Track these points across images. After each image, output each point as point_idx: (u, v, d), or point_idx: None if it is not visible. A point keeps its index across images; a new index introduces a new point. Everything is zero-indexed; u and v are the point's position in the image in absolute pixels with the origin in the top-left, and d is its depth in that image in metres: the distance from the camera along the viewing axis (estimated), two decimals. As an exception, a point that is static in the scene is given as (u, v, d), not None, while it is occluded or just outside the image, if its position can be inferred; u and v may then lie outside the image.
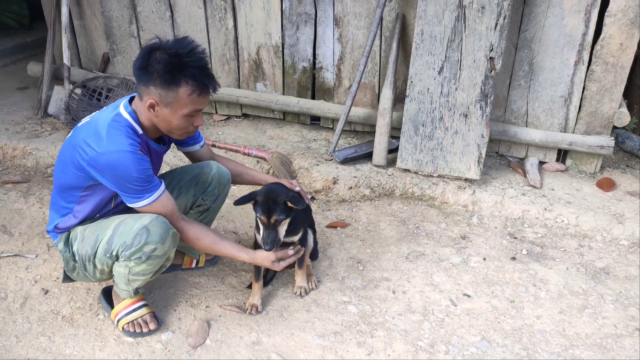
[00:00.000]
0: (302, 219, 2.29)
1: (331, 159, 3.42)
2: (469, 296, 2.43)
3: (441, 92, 3.08)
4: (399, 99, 3.50)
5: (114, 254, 1.97)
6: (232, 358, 2.09)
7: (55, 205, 2.10)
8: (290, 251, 2.20)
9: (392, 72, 3.29)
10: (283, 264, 2.15)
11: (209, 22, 3.69)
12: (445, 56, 3.01)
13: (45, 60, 3.98)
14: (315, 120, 3.87)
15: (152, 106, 1.89)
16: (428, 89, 3.09)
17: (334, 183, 3.23)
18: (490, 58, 2.95)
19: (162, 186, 2.00)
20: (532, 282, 2.52)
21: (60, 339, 2.16)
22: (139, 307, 2.20)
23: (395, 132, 3.48)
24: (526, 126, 3.38)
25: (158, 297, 2.39)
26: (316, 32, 3.51)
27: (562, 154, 3.44)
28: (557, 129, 3.33)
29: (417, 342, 2.18)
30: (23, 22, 5.79)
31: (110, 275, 2.10)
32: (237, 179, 2.44)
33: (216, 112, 4.01)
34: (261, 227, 2.14)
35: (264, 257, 2.12)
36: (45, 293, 2.40)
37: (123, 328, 2.18)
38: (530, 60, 3.21)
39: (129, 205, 1.98)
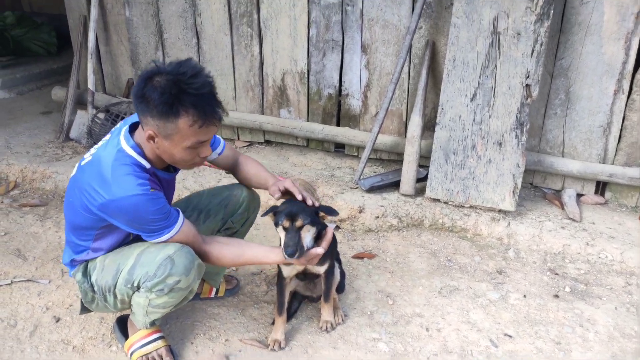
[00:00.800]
0: (331, 250, 2.14)
1: (356, 187, 3.29)
2: (510, 336, 2.23)
3: (474, 120, 2.96)
4: (427, 127, 3.39)
5: (135, 284, 1.84)
6: (253, 398, 1.92)
7: (71, 243, 1.97)
8: (321, 249, 1.90)
9: (421, 99, 3.19)
10: (318, 257, 1.92)
11: (235, 48, 3.66)
12: (479, 83, 2.90)
13: (70, 85, 3.98)
14: (339, 148, 3.77)
15: (151, 138, 1.72)
16: (460, 116, 2.98)
17: (360, 212, 3.09)
18: (527, 85, 2.83)
19: (181, 217, 1.87)
20: (579, 322, 2.31)
21: (69, 371, 2.01)
22: (155, 340, 2.06)
23: (423, 161, 3.35)
24: (562, 156, 3.22)
25: (175, 329, 2.24)
26: (343, 59, 3.45)
27: (601, 186, 3.26)
28: (596, 160, 3.16)
29: (456, 386, 1.98)
30: (51, 50, 5.87)
31: (130, 306, 1.97)
32: (256, 186, 2.24)
33: (238, 139, 3.93)
34: (283, 234, 1.93)
35: (293, 260, 1.92)
36: (57, 321, 2.27)
37: (137, 361, 2.03)
38: (566, 88, 3.09)
39: (149, 241, 1.86)
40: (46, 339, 2.17)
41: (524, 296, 2.48)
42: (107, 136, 1.91)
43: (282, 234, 1.94)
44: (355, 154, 3.69)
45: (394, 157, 3.58)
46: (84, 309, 2.09)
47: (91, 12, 3.79)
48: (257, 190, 2.29)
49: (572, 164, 3.17)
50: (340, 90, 3.56)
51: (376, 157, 3.63)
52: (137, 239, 1.89)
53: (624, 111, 3.02)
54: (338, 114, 3.65)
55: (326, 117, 3.65)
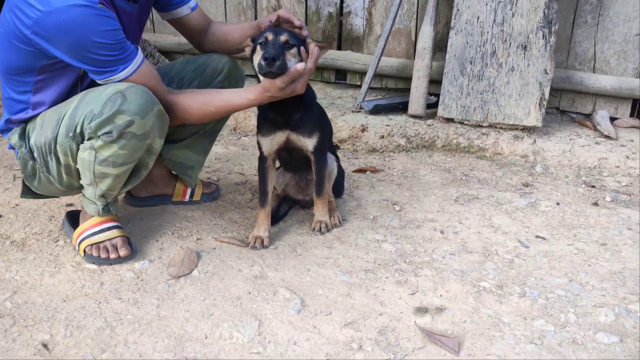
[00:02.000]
0: (318, 121, 1.75)
1: (359, 111, 2.91)
2: (543, 238, 1.84)
3: (494, 21, 2.58)
4: (439, 47, 3.01)
5: (78, 130, 1.45)
6: (226, 290, 1.52)
7: (8, 100, 1.60)
8: (301, 65, 1.50)
9: (433, 7, 2.81)
10: (301, 81, 1.53)
11: (226, -35, 3.32)
12: (500, -24, 2.53)
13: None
14: (340, 80, 3.39)
15: None
16: (478, 18, 2.60)
17: (363, 131, 2.71)
18: (555, -26, 2.45)
19: (139, 53, 1.50)
20: (627, 225, 1.91)
21: (1, 263, 1.64)
22: (109, 229, 1.68)
23: (433, 88, 2.97)
24: (594, 72, 2.83)
25: (138, 228, 1.86)
26: (345, -29, 3.10)
27: (638, 109, 2.86)
28: (632, 75, 2.76)
29: (479, 282, 1.58)
30: None
31: (79, 178, 1.59)
32: (236, 39, 1.81)
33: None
34: (260, 54, 1.52)
35: (271, 85, 1.52)
36: (-2, 218, 1.90)
37: (85, 252, 1.65)
38: (598, -9, 2.71)
39: (99, 82, 1.48)
40: (-20, 233, 1.80)
41: (557, 204, 2.09)
42: None
43: (258, 55, 1.54)
44: (358, 83, 3.30)
45: (402, 85, 3.20)
46: (26, 191, 1.72)
47: None
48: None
49: (605, 79, 2.78)
50: (341, 8, 3.19)
51: (381, 85, 3.25)
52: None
53: (666, 15, 2.64)
54: (339, 37, 3.28)
55: (326, 41, 3.28)
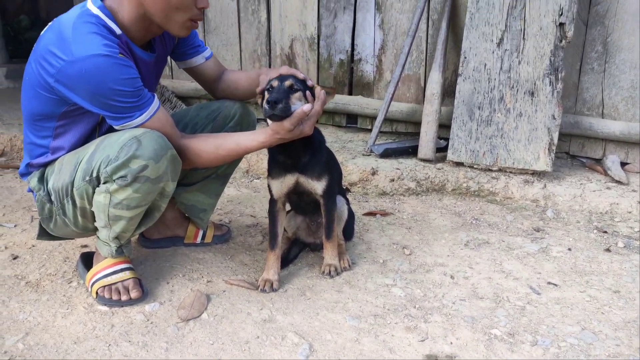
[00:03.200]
0: (327, 164, 1.79)
1: (369, 155, 2.96)
2: (555, 285, 1.82)
3: (501, 68, 2.64)
4: (447, 93, 3.08)
5: (94, 174, 1.50)
6: (234, 334, 1.52)
7: (29, 145, 1.67)
8: (307, 106, 1.56)
9: (441, 55, 2.90)
10: (309, 123, 1.58)
11: (241, 15, 3.46)
12: (506, 25, 2.61)
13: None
14: (351, 123, 3.46)
15: None
16: (485, 65, 2.67)
17: (373, 174, 2.74)
18: (560, 24, 2.52)
19: (156, 99, 1.57)
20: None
21: (15, 304, 1.66)
22: (122, 270, 1.70)
23: (442, 132, 3.02)
24: (602, 118, 2.86)
25: (149, 270, 1.88)
26: (355, 20, 3.21)
27: (648, 154, 2.87)
28: (641, 121, 2.79)
29: (490, 330, 1.56)
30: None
31: (94, 220, 1.63)
32: (246, 87, 1.90)
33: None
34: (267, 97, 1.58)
35: (279, 127, 1.56)
36: (14, 259, 1.94)
37: (97, 293, 1.67)
38: (604, 39, 2.77)
39: (116, 127, 1.54)
40: (-3, 273, 1.84)
41: (569, 249, 2.07)
42: None
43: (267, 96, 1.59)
44: (369, 127, 3.37)
45: (411, 129, 3.25)
46: (43, 233, 1.76)
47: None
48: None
49: (614, 125, 2.80)
50: (352, 56, 3.30)
51: (391, 129, 3.31)
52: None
53: (672, 63, 2.69)
54: (350, 83, 3.37)
55: (338, 87, 3.37)
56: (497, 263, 1.97)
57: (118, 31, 1.51)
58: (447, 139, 2.92)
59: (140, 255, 1.98)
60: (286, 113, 1.54)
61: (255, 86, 1.76)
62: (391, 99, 2.99)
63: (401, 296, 1.75)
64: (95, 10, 1.49)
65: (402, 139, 3.21)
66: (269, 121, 1.61)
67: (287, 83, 1.59)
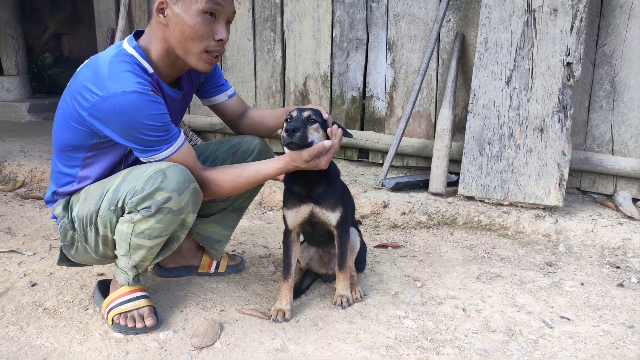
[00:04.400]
0: (341, 196, 1.83)
1: (380, 188, 3.00)
2: (568, 319, 1.81)
3: (510, 105, 2.70)
4: (457, 129, 3.14)
5: (119, 205, 1.56)
6: (247, 363, 1.54)
7: (56, 174, 1.74)
8: (328, 142, 1.63)
9: (451, 92, 2.97)
10: (325, 157, 1.64)
11: (257, 54, 3.60)
12: (514, 65, 2.68)
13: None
14: (363, 158, 3.53)
15: (161, 9, 1.56)
16: (494, 102, 2.73)
17: (384, 207, 2.77)
18: (568, 64, 2.59)
19: (182, 135, 1.64)
20: (654, 307, 1.88)
21: (33, 330, 1.69)
22: (137, 298, 1.73)
23: (453, 167, 3.07)
24: (612, 154, 2.89)
25: (164, 298, 1.91)
26: (367, 59, 3.32)
27: (660, 191, 2.87)
28: (651, 157, 2.81)
29: (503, 363, 1.56)
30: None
31: (114, 248, 1.68)
32: (272, 124, 2.00)
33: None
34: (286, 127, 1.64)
35: (297, 155, 1.62)
36: (32, 286, 1.98)
37: (113, 321, 1.70)
38: (611, 78, 2.83)
39: (143, 160, 1.61)
40: (16, 300, 1.87)
41: (582, 284, 2.07)
42: None
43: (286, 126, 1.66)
44: (380, 162, 3.43)
45: (422, 164, 3.31)
46: (63, 259, 1.80)
47: (119, 23, 3.84)
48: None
49: (625, 161, 2.82)
50: (364, 92, 3.39)
51: (402, 164, 3.37)
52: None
53: (680, 101, 2.73)
54: (362, 118, 3.45)
55: (349, 122, 3.45)
56: (509, 296, 1.97)
57: (150, 70, 1.60)
58: (457, 174, 2.96)
59: (155, 283, 2.02)
60: (303, 142, 1.60)
61: (282, 122, 1.85)
62: (402, 134, 3.05)
63: (413, 328, 1.75)
64: (131, 50, 1.58)
65: (413, 173, 3.26)
66: (286, 149, 1.67)
67: (306, 114, 1.66)
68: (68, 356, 1.55)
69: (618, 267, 2.23)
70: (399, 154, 3.27)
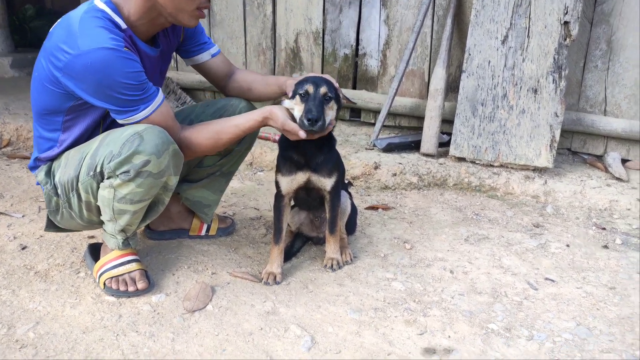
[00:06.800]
0: (337, 162, 1.83)
1: (372, 149, 2.99)
2: (552, 280, 1.85)
3: (505, 65, 2.66)
4: (452, 88, 3.10)
5: (98, 170, 1.54)
6: (238, 326, 1.57)
7: (38, 139, 1.71)
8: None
9: (445, 50, 2.91)
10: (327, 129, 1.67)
11: (247, 8, 3.48)
12: (511, 23, 2.62)
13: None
14: (354, 117, 3.49)
15: None
16: (489, 62, 2.68)
17: (375, 168, 2.77)
18: (565, 22, 2.54)
19: (160, 94, 1.59)
20: (636, 269, 1.92)
21: (25, 293, 1.70)
22: (128, 262, 1.74)
23: (445, 127, 3.05)
24: (604, 115, 2.88)
25: (155, 261, 1.92)
26: (360, 15, 3.22)
27: (649, 152, 2.89)
28: (643, 119, 2.81)
29: (487, 324, 1.60)
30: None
31: (99, 214, 1.67)
32: (261, 91, 1.96)
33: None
34: (300, 106, 1.63)
35: (293, 128, 1.63)
36: (23, 249, 1.98)
37: (105, 284, 1.71)
38: (608, 37, 2.78)
39: (120, 121, 1.57)
40: (7, 263, 1.88)
41: (567, 246, 2.11)
42: None
43: (298, 105, 1.65)
44: (372, 121, 3.40)
45: (415, 124, 3.28)
46: (50, 225, 1.80)
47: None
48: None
49: (616, 122, 2.82)
50: (357, 50, 3.32)
51: (394, 123, 3.34)
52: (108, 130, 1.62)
53: (675, 61, 2.70)
54: (354, 77, 3.39)
55: (341, 81, 3.39)
56: (496, 258, 2.01)
57: (123, 25, 1.54)
58: (449, 134, 2.95)
59: (146, 247, 2.03)
60: (322, 130, 1.61)
61: (272, 92, 1.84)
62: (395, 94, 3.01)
63: (401, 290, 1.78)
64: (102, 5, 1.52)
65: (405, 133, 3.24)
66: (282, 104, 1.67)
67: (322, 91, 1.63)
68: (61, 320, 1.57)
69: (604, 229, 2.27)
70: (391, 114, 3.23)
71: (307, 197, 1.87)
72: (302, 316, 1.63)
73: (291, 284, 1.81)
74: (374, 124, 3.37)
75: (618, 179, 2.62)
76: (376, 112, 3.30)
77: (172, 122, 1.60)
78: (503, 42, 2.64)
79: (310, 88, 1.64)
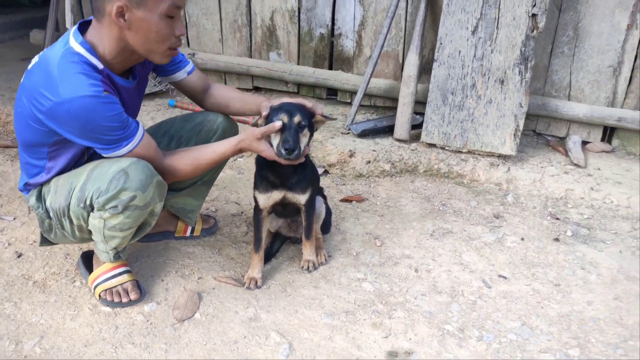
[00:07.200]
0: (311, 178, 1.96)
1: (348, 133, 3.10)
2: (505, 278, 2.07)
3: (474, 55, 2.74)
4: (425, 70, 3.17)
5: (88, 202, 1.66)
6: (224, 334, 1.76)
7: (25, 165, 1.79)
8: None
9: (419, 36, 2.96)
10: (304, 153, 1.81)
11: (221, -16, 3.42)
12: (481, 13, 2.67)
13: (48, 26, 3.74)
14: (331, 95, 3.56)
15: (120, 14, 1.53)
16: (460, 52, 2.76)
17: (351, 156, 2.90)
18: (533, 15, 2.60)
19: (141, 128, 1.68)
20: (580, 264, 2.15)
21: (27, 306, 1.86)
22: (120, 274, 1.90)
23: (418, 107, 3.15)
24: (568, 100, 3.01)
25: (145, 266, 2.08)
26: (336, -5, 3.21)
27: (608, 134, 3.06)
28: (604, 104, 2.95)
29: (444, 325, 1.82)
30: (35, 0, 5.63)
31: (91, 234, 1.80)
32: (238, 109, 2.04)
33: (225, 85, 3.72)
34: (277, 135, 1.75)
35: (251, 135, 1.75)
36: (19, 257, 2.11)
37: (100, 296, 1.88)
38: (575, 24, 2.86)
39: (105, 156, 1.67)
40: (5, 273, 2.02)
41: (522, 239, 2.31)
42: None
43: (276, 133, 1.76)
44: (348, 101, 3.48)
45: (389, 104, 3.38)
46: (44, 241, 1.93)
47: (68, -55, 3.53)
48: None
49: (579, 107, 2.96)
50: (332, 30, 3.33)
51: (370, 103, 3.43)
52: (93, 157, 1.71)
53: (637, 49, 2.80)
54: (330, 57, 3.43)
55: (318, 60, 3.43)
56: (457, 254, 2.21)
57: (100, 66, 1.60)
58: (423, 114, 3.06)
59: (135, 250, 2.17)
60: (298, 157, 1.74)
61: (249, 110, 1.95)
62: (370, 77, 3.08)
63: (370, 291, 1.99)
64: (78, 48, 1.56)
65: (380, 114, 3.34)
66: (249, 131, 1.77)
67: (296, 120, 1.73)
68: (64, 333, 1.75)
69: (558, 219, 2.47)
70: (367, 95, 3.31)
71: (283, 210, 2.02)
72: (281, 322, 1.82)
73: (271, 287, 2.00)
74: (350, 104, 3.46)
75: (576, 165, 2.81)
76: (352, 93, 3.37)
77: (154, 151, 1.70)
78: (473, 32, 2.71)
79: (284, 118, 1.74)
